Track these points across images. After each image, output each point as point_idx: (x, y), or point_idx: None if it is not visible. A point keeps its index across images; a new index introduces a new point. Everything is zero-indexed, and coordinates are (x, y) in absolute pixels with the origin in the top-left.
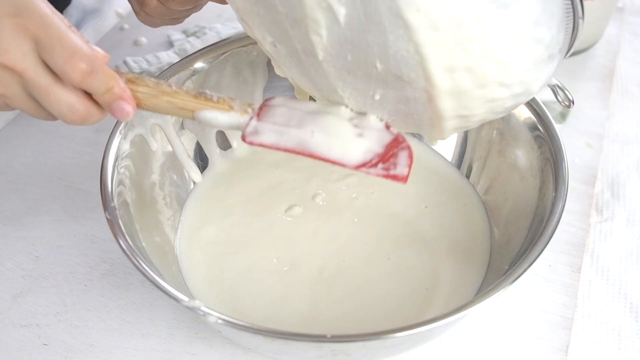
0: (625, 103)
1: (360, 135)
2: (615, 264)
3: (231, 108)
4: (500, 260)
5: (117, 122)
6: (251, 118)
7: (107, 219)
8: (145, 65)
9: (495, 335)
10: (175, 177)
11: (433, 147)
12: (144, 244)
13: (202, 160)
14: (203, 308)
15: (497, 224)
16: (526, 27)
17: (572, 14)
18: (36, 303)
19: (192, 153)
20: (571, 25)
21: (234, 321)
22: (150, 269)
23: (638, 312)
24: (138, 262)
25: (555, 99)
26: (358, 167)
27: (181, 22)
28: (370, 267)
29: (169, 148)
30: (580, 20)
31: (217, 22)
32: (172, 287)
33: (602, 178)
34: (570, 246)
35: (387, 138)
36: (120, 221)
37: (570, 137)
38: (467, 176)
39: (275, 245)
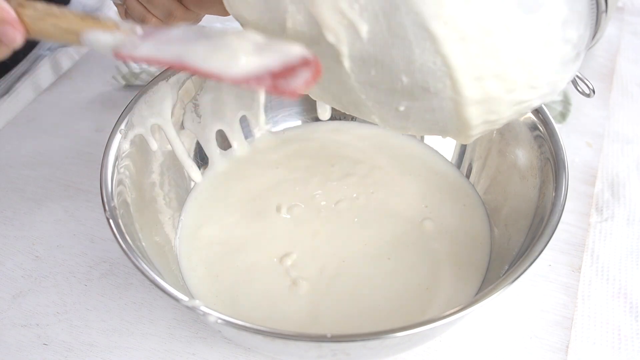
0: (625, 103)
1: (258, 53)
2: (615, 264)
3: (117, 27)
4: (500, 260)
5: (117, 121)
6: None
7: (107, 218)
8: (145, 65)
9: (495, 335)
10: (175, 177)
11: (433, 146)
12: (143, 243)
13: (202, 160)
14: (203, 308)
15: (497, 224)
16: (555, 30)
17: (596, 8)
18: (36, 303)
19: (192, 153)
20: (594, 19)
21: (234, 321)
22: (150, 269)
23: (638, 312)
24: (138, 262)
25: (562, 99)
26: (238, 80)
27: None
28: (371, 267)
29: (169, 148)
30: (604, 14)
31: (217, 22)
32: (172, 286)
33: (602, 178)
34: (570, 246)
35: (293, 60)
36: (120, 221)
37: (570, 137)
38: (467, 176)
39: (275, 245)
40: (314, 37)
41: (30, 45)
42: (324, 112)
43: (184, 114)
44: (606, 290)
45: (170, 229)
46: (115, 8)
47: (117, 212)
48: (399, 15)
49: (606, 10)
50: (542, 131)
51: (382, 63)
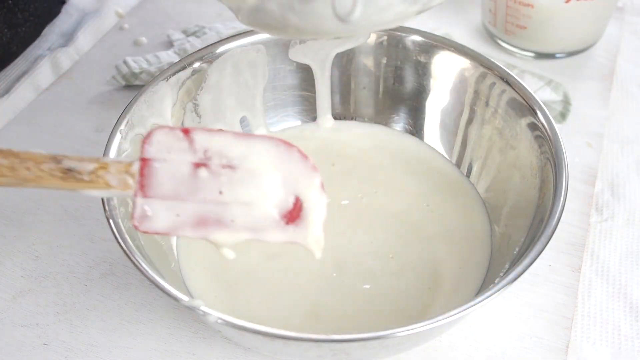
0: (625, 103)
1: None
2: (615, 264)
3: (108, 185)
4: (501, 260)
5: (117, 121)
6: (135, 195)
7: (107, 218)
8: (145, 65)
9: (495, 335)
10: None
11: (433, 146)
12: (143, 243)
13: None
14: (203, 308)
15: (498, 223)
16: None
17: None
18: (36, 303)
19: None
20: None
21: (234, 321)
22: (150, 269)
23: (638, 312)
24: (137, 261)
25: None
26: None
27: None
28: (374, 266)
29: None
30: None
31: (217, 22)
32: (171, 286)
33: (602, 178)
34: (570, 246)
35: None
36: (120, 220)
37: (570, 137)
38: (468, 175)
39: (276, 244)
40: None
41: (25, 42)
42: (325, 122)
43: (184, 114)
44: (606, 290)
45: None
46: (115, 8)
47: (117, 211)
48: None
49: None
50: (542, 131)
51: None
